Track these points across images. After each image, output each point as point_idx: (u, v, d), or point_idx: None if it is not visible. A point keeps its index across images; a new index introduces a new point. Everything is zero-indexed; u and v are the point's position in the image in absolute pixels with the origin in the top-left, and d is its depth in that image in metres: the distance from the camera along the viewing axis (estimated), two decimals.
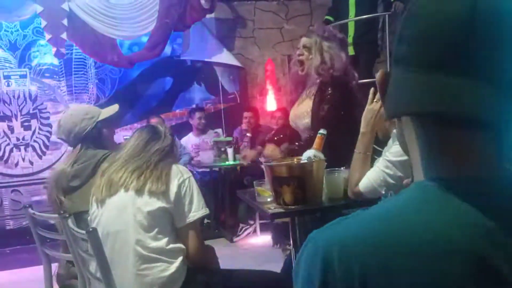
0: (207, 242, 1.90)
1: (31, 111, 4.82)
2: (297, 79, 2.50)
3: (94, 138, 2.14)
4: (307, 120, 2.35)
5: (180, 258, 1.70)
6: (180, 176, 1.74)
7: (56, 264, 2.16)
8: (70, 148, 2.27)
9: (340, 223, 0.55)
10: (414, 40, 0.51)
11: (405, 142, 0.59)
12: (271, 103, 5.42)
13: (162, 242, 1.67)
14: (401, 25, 0.54)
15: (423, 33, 0.50)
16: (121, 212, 1.69)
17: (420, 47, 0.51)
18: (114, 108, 2.29)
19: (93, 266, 1.69)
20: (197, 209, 1.73)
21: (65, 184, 2.06)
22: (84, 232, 1.50)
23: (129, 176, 1.73)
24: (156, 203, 1.68)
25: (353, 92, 2.32)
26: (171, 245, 1.69)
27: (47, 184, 2.24)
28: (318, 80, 2.35)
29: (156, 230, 1.67)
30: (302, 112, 2.41)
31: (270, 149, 2.41)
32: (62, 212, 1.76)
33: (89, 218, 1.79)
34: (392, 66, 0.55)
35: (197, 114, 4.84)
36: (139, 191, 1.70)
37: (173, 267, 1.67)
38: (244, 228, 4.27)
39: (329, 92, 2.30)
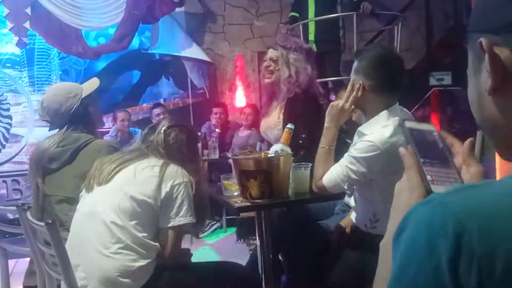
0: None
1: None
2: (268, 90, 2.54)
3: (83, 117, 2.09)
4: (276, 132, 2.40)
5: (153, 257, 1.66)
6: (176, 178, 1.70)
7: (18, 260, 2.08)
8: (31, 141, 2.20)
9: (468, 190, 0.49)
10: None
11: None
12: (240, 100, 5.41)
13: (140, 235, 1.64)
14: None
15: None
16: (108, 195, 1.68)
17: None
18: (95, 82, 2.24)
19: (52, 260, 1.64)
20: (184, 215, 1.69)
21: (44, 165, 2.03)
22: (43, 224, 1.45)
23: (122, 163, 1.74)
24: (142, 196, 1.65)
25: (321, 106, 2.36)
26: (148, 241, 1.65)
27: (29, 161, 2.17)
28: (289, 95, 2.38)
29: (135, 221, 1.64)
30: (271, 123, 2.46)
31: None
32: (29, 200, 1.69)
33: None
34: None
35: (156, 111, 4.72)
36: (129, 178, 1.69)
37: (143, 262, 1.63)
38: (210, 224, 4.24)
39: (300, 110, 2.33)
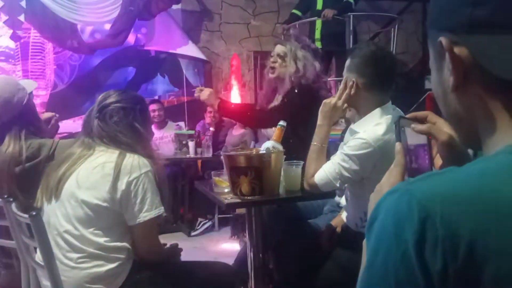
0: (165, 236, 1.75)
1: None
2: (270, 89, 2.54)
3: (32, 113, 1.95)
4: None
5: (125, 257, 1.56)
6: (131, 172, 1.53)
7: None
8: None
9: (432, 177, 0.52)
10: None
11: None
12: (235, 99, 5.39)
13: (101, 240, 1.52)
14: None
15: None
16: (59, 205, 1.56)
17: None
18: (33, 83, 2.10)
19: (36, 253, 1.61)
20: (149, 209, 1.54)
21: (19, 179, 1.82)
22: (27, 216, 1.42)
23: (70, 167, 1.58)
24: (95, 200, 1.51)
25: (320, 97, 2.36)
26: (112, 245, 1.53)
27: None
28: (288, 87, 2.38)
29: (92, 228, 1.51)
30: None
31: (207, 93, 2.36)
32: (5, 196, 1.66)
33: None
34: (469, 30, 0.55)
35: (152, 107, 4.68)
36: (80, 182, 1.54)
37: (112, 264, 1.53)
38: (202, 223, 4.22)
39: (294, 95, 2.33)
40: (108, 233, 1.54)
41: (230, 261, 2.34)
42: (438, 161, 0.79)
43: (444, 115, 0.64)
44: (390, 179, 0.70)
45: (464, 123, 0.60)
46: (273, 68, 2.44)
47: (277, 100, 2.47)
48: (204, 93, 2.37)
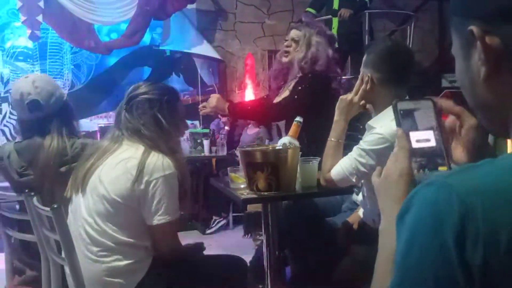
0: (180, 234, 1.68)
1: (2, 95, 4.67)
2: (279, 69, 2.50)
3: (70, 113, 1.97)
4: None
5: (143, 254, 1.56)
6: (153, 173, 1.51)
7: None
8: None
9: (469, 170, 0.51)
10: None
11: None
12: (249, 98, 5.39)
13: (119, 236, 1.53)
14: None
15: None
16: (85, 198, 1.57)
17: None
18: None
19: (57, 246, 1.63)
20: (164, 213, 1.52)
21: (62, 179, 1.79)
22: (48, 209, 1.44)
23: (96, 161, 1.58)
24: (114, 195, 1.51)
25: (331, 88, 2.33)
26: (130, 241, 1.54)
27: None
28: (299, 74, 2.36)
29: (111, 223, 1.52)
30: None
31: (214, 100, 2.31)
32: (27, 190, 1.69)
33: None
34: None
35: None
36: (103, 176, 1.54)
37: (131, 260, 1.54)
38: (217, 221, 4.24)
39: (305, 85, 2.31)
40: (127, 229, 1.54)
41: (247, 258, 2.34)
42: (456, 150, 0.76)
43: (470, 104, 0.63)
44: (396, 164, 0.69)
45: (494, 112, 0.60)
46: (287, 52, 2.42)
47: (287, 88, 2.43)
48: (211, 101, 2.31)
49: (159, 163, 1.53)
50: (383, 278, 0.64)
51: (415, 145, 0.69)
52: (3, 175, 2.01)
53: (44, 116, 1.89)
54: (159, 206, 1.52)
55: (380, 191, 0.71)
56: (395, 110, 0.71)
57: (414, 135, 0.69)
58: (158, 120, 1.61)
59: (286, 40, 2.45)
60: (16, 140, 2.04)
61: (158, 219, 1.53)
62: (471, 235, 0.46)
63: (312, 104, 2.23)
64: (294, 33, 2.43)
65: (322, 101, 2.25)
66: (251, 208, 2.66)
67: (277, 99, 2.47)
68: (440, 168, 0.68)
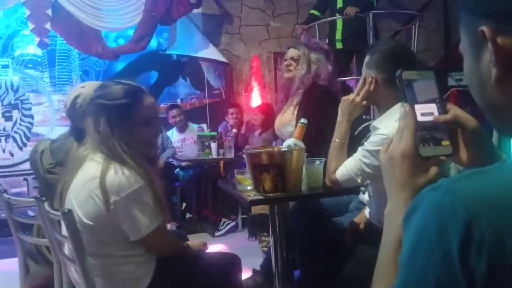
0: (190, 237, 1.69)
1: (12, 102, 4.75)
2: (285, 88, 2.58)
3: None
4: (290, 129, 2.42)
5: (143, 257, 1.56)
6: (119, 191, 1.43)
7: None
8: None
9: (476, 176, 0.50)
10: None
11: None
12: (256, 100, 5.42)
13: (112, 248, 1.53)
14: None
15: None
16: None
17: None
18: None
19: (68, 249, 1.67)
20: (144, 226, 1.49)
21: None
22: (59, 213, 1.48)
23: (67, 179, 1.55)
24: (87, 220, 1.48)
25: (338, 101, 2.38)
26: (127, 252, 1.53)
27: None
28: (301, 90, 2.42)
29: (98, 239, 1.51)
30: (286, 120, 2.50)
31: None
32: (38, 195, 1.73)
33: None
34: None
35: (171, 112, 4.76)
36: (73, 198, 1.52)
37: (133, 265, 1.54)
38: (226, 223, 4.26)
39: (318, 103, 2.35)
40: (117, 243, 1.54)
41: (254, 260, 2.36)
42: (460, 152, 0.76)
43: (478, 103, 0.62)
44: (401, 144, 0.67)
45: (504, 112, 0.58)
46: (289, 70, 2.50)
47: (291, 102, 2.50)
48: None
49: (123, 179, 1.43)
50: (387, 262, 0.65)
51: (420, 118, 0.68)
52: (32, 167, 2.09)
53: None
54: (135, 222, 1.48)
55: (385, 173, 0.70)
56: (400, 80, 0.70)
57: (418, 108, 0.68)
58: (112, 129, 1.48)
59: (285, 60, 2.51)
60: (54, 138, 2.11)
61: (140, 234, 1.50)
62: (475, 243, 0.45)
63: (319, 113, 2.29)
64: (292, 52, 2.51)
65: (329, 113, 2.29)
66: (255, 210, 2.68)
67: (281, 116, 2.55)
68: (443, 143, 0.68)
